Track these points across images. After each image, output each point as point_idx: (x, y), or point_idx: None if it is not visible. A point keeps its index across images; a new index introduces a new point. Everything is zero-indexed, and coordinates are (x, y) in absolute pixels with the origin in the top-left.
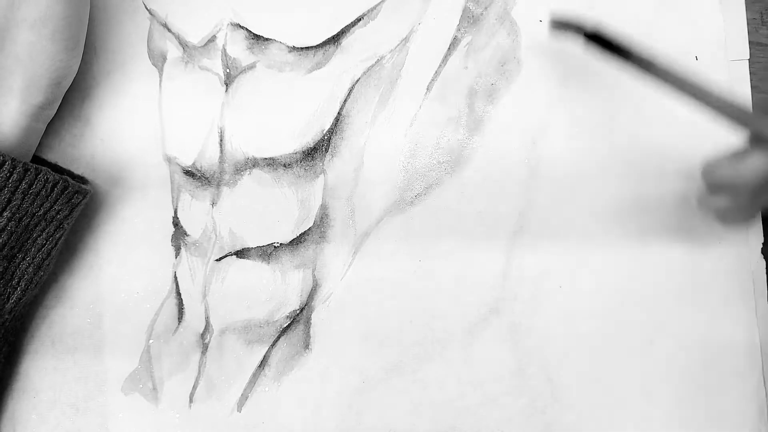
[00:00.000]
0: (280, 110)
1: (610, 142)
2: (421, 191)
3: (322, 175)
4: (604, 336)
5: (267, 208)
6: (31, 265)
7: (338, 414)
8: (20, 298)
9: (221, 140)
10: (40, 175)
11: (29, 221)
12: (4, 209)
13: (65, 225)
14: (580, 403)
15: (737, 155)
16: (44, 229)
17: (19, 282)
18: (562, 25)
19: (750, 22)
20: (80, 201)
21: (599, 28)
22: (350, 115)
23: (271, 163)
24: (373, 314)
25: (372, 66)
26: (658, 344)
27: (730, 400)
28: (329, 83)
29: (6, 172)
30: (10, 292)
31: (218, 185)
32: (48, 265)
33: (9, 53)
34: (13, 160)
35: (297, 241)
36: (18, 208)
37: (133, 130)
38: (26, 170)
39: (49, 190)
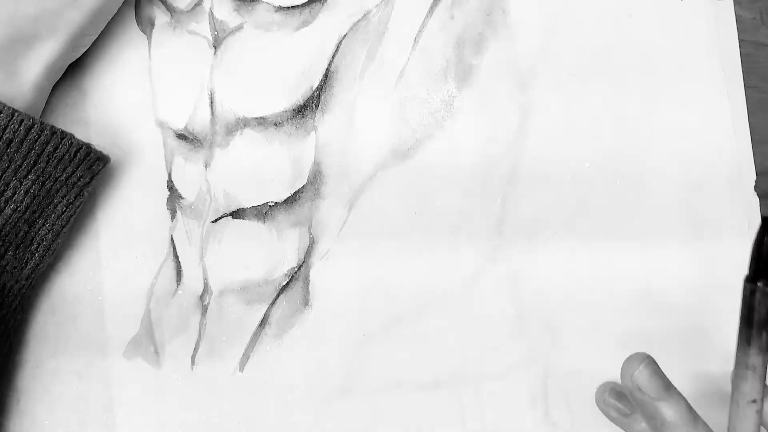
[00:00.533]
0: (268, 70)
1: (601, 84)
2: (413, 144)
3: (313, 132)
4: (602, 280)
5: (260, 168)
6: (51, 231)
7: (341, 368)
8: (38, 264)
9: (212, 102)
10: (65, 139)
11: (51, 185)
12: (29, 171)
13: (85, 192)
14: (580, 349)
15: None
16: (65, 195)
17: (37, 248)
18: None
19: (750, 22)
20: (100, 168)
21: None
22: (339, 71)
23: (261, 122)
24: (370, 268)
25: (358, 21)
26: (656, 286)
27: (730, 342)
28: (317, 40)
29: (35, 134)
30: (28, 258)
31: (211, 147)
32: (65, 233)
33: (47, 25)
34: (41, 123)
35: (292, 200)
36: (42, 171)
37: (125, 97)
38: (53, 133)
39: (72, 155)
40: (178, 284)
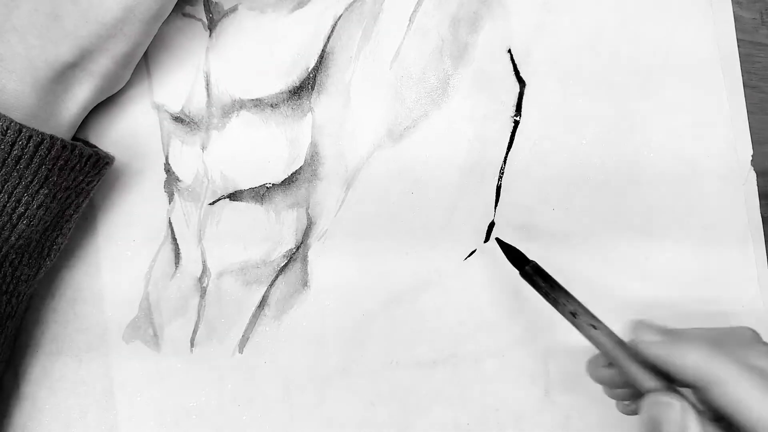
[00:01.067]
0: (264, 51)
1: (596, 61)
2: (409, 123)
3: (309, 113)
4: (600, 256)
5: (257, 150)
6: (60, 235)
7: (340, 349)
8: (48, 268)
9: (207, 84)
10: (75, 150)
11: (62, 195)
12: (41, 186)
13: (91, 193)
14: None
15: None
16: (73, 201)
17: (49, 253)
18: (506, 248)
19: (750, 22)
20: (106, 169)
21: (538, 264)
22: (334, 52)
23: (258, 104)
24: (368, 248)
25: (354, 1)
26: (653, 262)
27: (733, 318)
28: (312, 21)
29: (44, 150)
30: (41, 263)
31: (207, 129)
32: (72, 230)
33: (84, 70)
34: (51, 137)
35: (289, 181)
36: (53, 185)
37: None
38: (63, 147)
39: (83, 165)
40: (176, 267)
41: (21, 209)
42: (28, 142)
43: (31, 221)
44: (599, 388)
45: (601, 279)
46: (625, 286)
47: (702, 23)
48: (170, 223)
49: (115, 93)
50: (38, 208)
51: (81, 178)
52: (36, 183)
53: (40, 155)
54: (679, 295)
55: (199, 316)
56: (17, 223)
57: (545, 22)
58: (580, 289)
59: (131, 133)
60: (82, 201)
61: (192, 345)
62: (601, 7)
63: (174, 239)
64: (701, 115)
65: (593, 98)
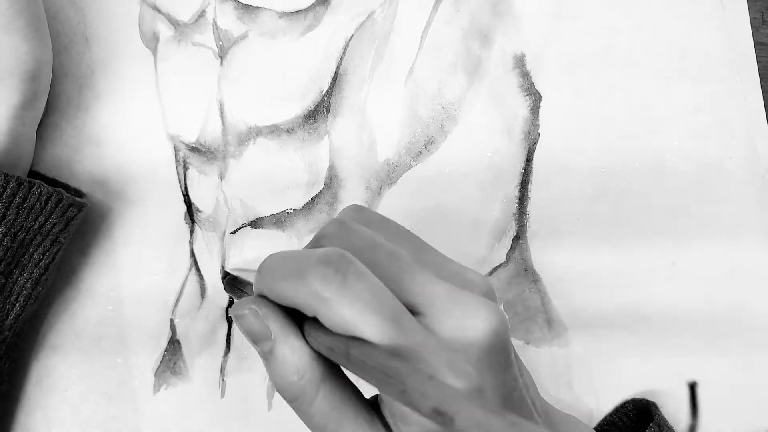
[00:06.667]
0: (276, 76)
1: (611, 67)
2: (427, 141)
3: (326, 137)
4: (629, 262)
5: (275, 176)
6: (29, 280)
7: None
8: (19, 315)
9: (222, 113)
10: (34, 188)
11: (24, 236)
12: None
13: (61, 239)
14: (606, 333)
15: None
16: (40, 244)
17: (17, 298)
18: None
19: (750, 22)
20: (75, 214)
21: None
22: (347, 73)
23: (274, 130)
24: None
25: (364, 21)
26: (680, 266)
27: (756, 323)
28: (323, 44)
29: None
30: (8, 309)
31: (224, 158)
32: (46, 280)
33: None
34: (6, 174)
35: (310, 206)
36: (13, 223)
37: (134, 114)
38: (20, 184)
39: (43, 204)
40: (202, 298)
41: None
42: None
43: None
44: (622, 392)
45: (629, 286)
46: (652, 292)
47: (716, 22)
48: (193, 255)
49: (129, 126)
50: None
51: (44, 219)
52: None
53: None
54: (706, 296)
55: (228, 346)
56: None
57: (557, 31)
58: (608, 298)
59: (148, 166)
60: (51, 245)
61: (222, 375)
62: (612, 13)
63: (198, 270)
64: (720, 115)
65: (611, 106)
